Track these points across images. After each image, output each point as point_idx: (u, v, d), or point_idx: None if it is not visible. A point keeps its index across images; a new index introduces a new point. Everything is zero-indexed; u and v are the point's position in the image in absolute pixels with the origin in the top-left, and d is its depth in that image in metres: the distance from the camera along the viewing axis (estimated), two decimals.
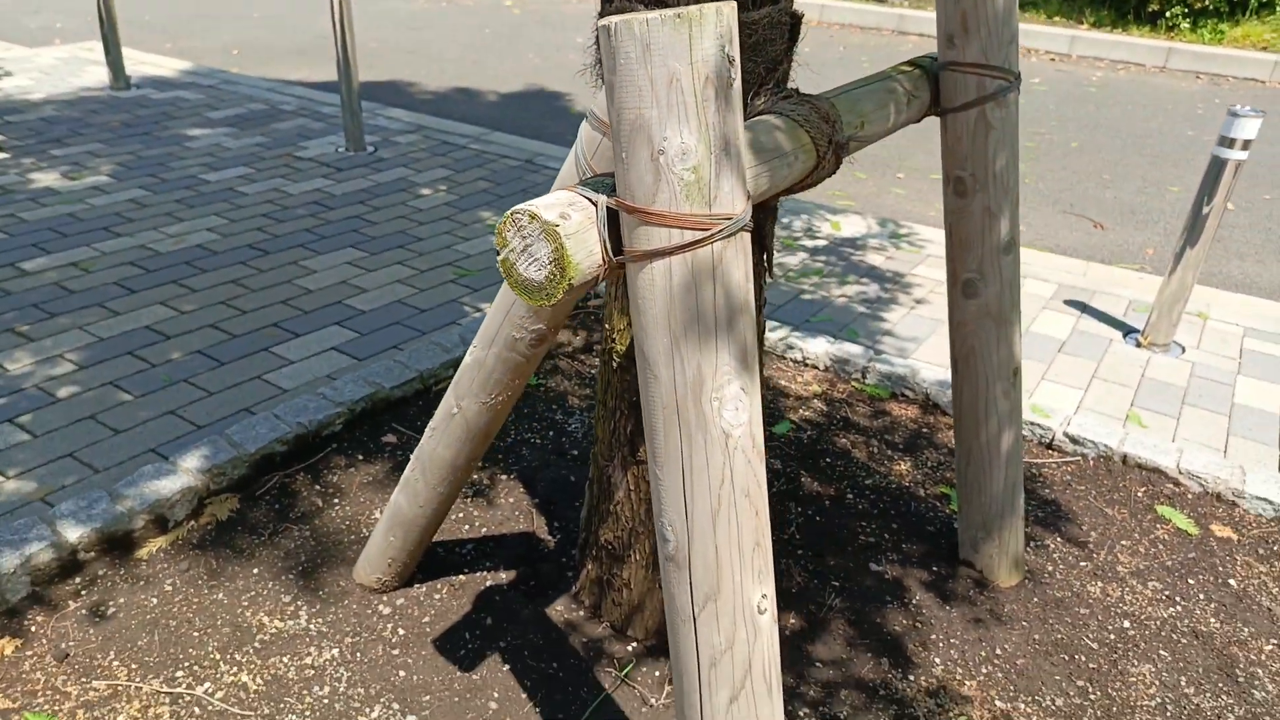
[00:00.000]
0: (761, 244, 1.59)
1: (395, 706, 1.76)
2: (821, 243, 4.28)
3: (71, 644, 1.84)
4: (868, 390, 2.88)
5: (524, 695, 1.80)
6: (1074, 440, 2.60)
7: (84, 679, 1.77)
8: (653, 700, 1.81)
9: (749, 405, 1.08)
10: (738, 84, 0.99)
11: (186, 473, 2.18)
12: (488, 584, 2.07)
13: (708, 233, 0.99)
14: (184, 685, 1.77)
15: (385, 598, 2.01)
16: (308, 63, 7.13)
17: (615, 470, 1.84)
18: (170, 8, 8.80)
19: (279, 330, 3.18)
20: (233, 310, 3.28)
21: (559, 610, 2.01)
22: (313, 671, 1.82)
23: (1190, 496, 2.47)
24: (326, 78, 6.75)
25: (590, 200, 1.04)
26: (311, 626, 1.92)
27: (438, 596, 2.02)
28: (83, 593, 1.97)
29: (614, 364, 1.74)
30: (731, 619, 1.14)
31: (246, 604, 1.96)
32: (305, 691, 1.78)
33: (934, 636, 2.00)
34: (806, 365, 3.00)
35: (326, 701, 1.76)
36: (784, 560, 2.17)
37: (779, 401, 2.80)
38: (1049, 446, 2.65)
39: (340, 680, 1.81)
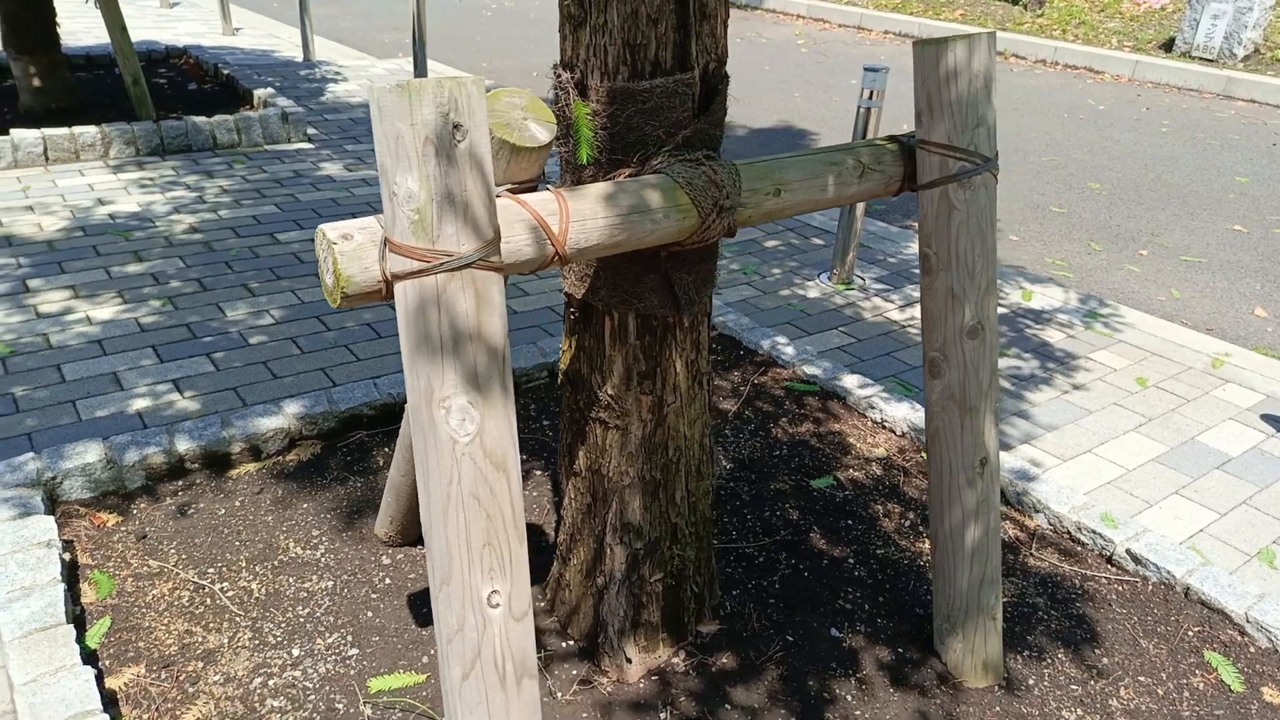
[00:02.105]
0: (671, 290, 1.71)
1: (349, 639, 2.07)
2: (1001, 310, 4.08)
3: (152, 529, 2.35)
4: None
5: None
6: (1135, 559, 2.36)
7: (146, 557, 2.26)
8: (559, 695, 1.97)
9: (479, 420, 1.24)
10: (468, 146, 1.16)
11: (286, 416, 2.66)
12: None
13: (429, 265, 1.17)
14: (209, 580, 2.20)
15: (390, 551, 2.33)
16: None
17: (562, 478, 2.02)
18: (498, 31, 9.98)
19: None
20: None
21: None
22: (305, 594, 2.18)
23: (1252, 650, 2.16)
24: None
25: (381, 226, 1.27)
26: (323, 559, 2.29)
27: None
28: (179, 493, 2.48)
29: (559, 380, 1.93)
30: (461, 605, 1.30)
31: (285, 530, 2.38)
32: (290, 608, 2.14)
33: (864, 714, 1.96)
34: (884, 427, 2.94)
35: (301, 620, 2.11)
36: (750, 605, 2.22)
37: (837, 457, 2.79)
38: (1109, 560, 2.41)
39: (321, 606, 2.15)
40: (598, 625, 2.02)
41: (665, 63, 1.55)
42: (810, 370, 3.17)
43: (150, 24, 9.08)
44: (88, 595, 2.12)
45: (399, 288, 1.21)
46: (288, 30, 9.26)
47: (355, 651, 2.04)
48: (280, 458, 2.64)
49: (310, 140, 5.73)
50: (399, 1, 11.51)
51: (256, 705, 1.89)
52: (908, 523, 2.53)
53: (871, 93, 3.94)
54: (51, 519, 2.19)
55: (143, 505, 2.43)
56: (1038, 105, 7.76)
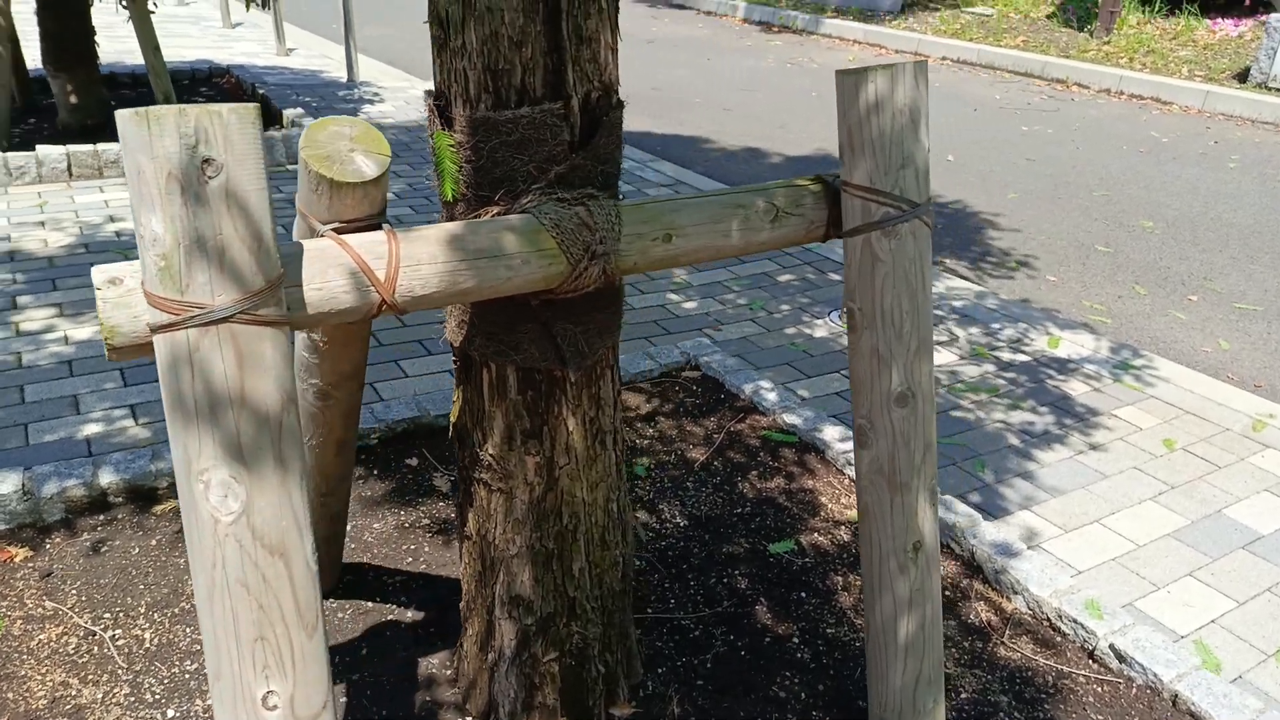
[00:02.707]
0: (554, 342, 1.53)
1: None
2: (1022, 358, 3.79)
3: (60, 566, 2.25)
4: None
5: None
6: (1120, 656, 2.08)
7: (44, 597, 2.15)
8: None
9: (245, 497, 1.08)
10: (223, 184, 1.01)
11: None
12: (389, 618, 2.16)
13: (179, 318, 1.02)
14: (101, 626, 2.08)
15: None
16: (632, 110, 7.69)
17: (458, 541, 1.85)
18: None
19: (419, 347, 3.53)
20: (396, 323, 3.70)
21: (432, 664, 2.05)
22: (199, 648, 2.05)
23: None
24: (638, 127, 7.24)
25: None
26: None
27: (340, 616, 2.16)
28: (99, 528, 2.38)
29: (449, 434, 1.76)
30: (233, 705, 1.14)
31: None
32: (179, 661, 2.00)
33: None
34: None
35: (186, 677, 1.97)
36: (675, 686, 2.01)
37: (804, 519, 2.56)
38: (1090, 655, 2.14)
39: None
40: (490, 704, 1.84)
41: (534, 90, 1.38)
42: (790, 419, 2.95)
43: (210, 43, 9.29)
44: None
45: (155, 342, 1.06)
46: (340, 51, 9.37)
47: None
48: None
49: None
50: None
51: None
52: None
53: None
54: None
55: (57, 540, 2.34)
56: (1096, 136, 7.38)
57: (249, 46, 9.23)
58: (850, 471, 2.74)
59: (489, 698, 1.85)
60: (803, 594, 2.28)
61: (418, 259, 1.26)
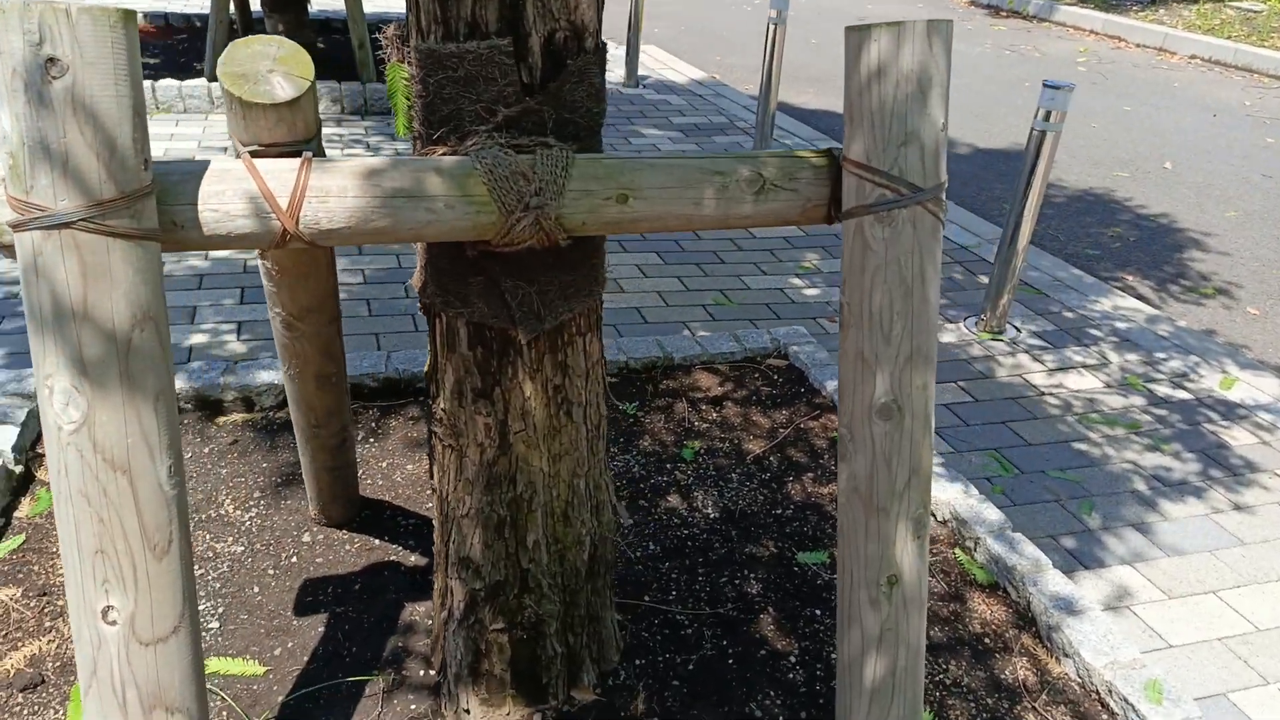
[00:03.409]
0: (503, 299, 1.43)
1: (219, 611, 1.99)
2: (1181, 395, 3.33)
3: None
4: (965, 565, 2.25)
5: (304, 658, 1.89)
6: None
7: None
8: None
9: (85, 409, 1.06)
10: (69, 86, 0.98)
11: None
12: (390, 559, 2.17)
13: (24, 218, 1.01)
14: None
15: (316, 529, 2.23)
16: (817, 89, 7.39)
17: (432, 492, 1.81)
18: (744, 27, 9.72)
19: None
20: None
21: (417, 611, 2.03)
22: (211, 555, 2.13)
23: None
24: (820, 106, 6.94)
25: None
26: (248, 523, 2.23)
27: (347, 549, 2.19)
28: None
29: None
30: (78, 616, 1.14)
31: (230, 486, 2.35)
32: None
33: None
34: None
35: None
36: (647, 682, 1.89)
37: None
38: None
39: (217, 570, 2.09)
40: (444, 663, 1.80)
41: (486, 24, 1.28)
42: None
43: None
44: (24, 509, 2.20)
45: (15, 241, 1.06)
46: None
47: (216, 625, 1.95)
48: (271, 413, 2.63)
49: None
50: None
51: None
52: None
53: (1049, 114, 3.32)
54: (15, 430, 2.30)
55: None
56: None
57: None
58: None
59: (444, 656, 1.81)
60: (817, 611, 2.09)
61: (327, 191, 1.20)
